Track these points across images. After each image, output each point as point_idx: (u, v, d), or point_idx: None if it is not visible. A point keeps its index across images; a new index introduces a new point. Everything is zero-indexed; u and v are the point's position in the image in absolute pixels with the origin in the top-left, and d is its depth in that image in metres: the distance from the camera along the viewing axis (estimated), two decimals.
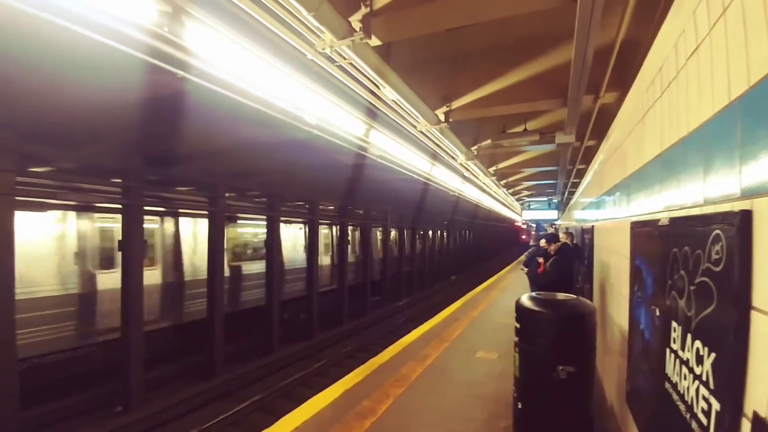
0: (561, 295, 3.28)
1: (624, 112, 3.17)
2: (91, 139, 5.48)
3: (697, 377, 1.41)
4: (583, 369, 2.80)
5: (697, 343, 1.43)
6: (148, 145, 6.10)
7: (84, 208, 6.92)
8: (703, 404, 1.36)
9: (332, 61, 2.65)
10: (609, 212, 4.01)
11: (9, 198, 4.94)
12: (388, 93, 3.21)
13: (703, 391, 1.36)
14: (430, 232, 21.37)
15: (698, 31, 1.61)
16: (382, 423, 3.66)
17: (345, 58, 2.59)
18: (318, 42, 2.37)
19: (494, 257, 33.83)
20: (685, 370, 1.54)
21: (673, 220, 1.79)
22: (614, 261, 3.51)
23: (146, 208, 6.93)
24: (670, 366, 1.72)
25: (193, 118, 4.60)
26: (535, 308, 2.97)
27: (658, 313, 1.94)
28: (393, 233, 16.65)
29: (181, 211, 8.61)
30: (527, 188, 14.35)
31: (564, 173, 7.91)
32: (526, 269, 6.38)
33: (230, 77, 2.70)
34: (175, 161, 6.86)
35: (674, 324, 1.68)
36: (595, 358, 3.03)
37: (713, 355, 1.30)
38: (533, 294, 3.28)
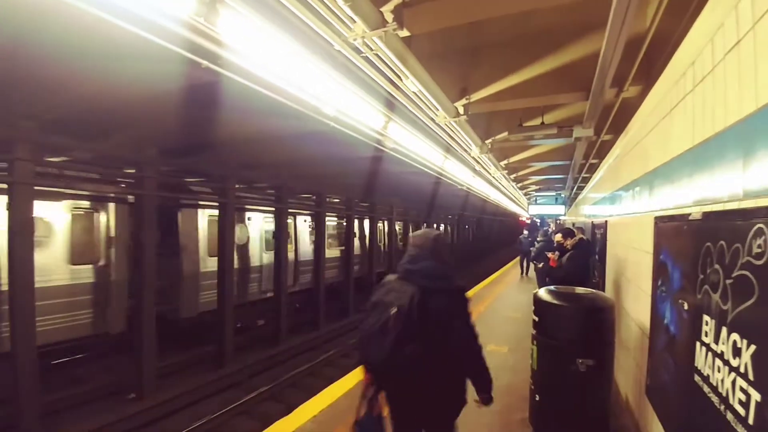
0: (579, 289, 3.29)
1: (647, 106, 3.15)
2: (108, 129, 5.51)
3: (734, 369, 1.42)
4: (602, 362, 2.82)
5: (734, 336, 1.44)
6: (162, 137, 6.12)
7: (99, 198, 6.99)
8: (740, 395, 1.37)
9: (359, 52, 2.65)
10: (626, 207, 4.00)
11: (28, 187, 4.99)
12: (410, 84, 3.21)
13: (740, 382, 1.37)
14: (435, 226, 21.41)
15: (740, 25, 1.59)
16: None
17: (372, 49, 2.58)
18: (349, 33, 2.36)
19: (500, 250, 33.79)
20: (719, 362, 1.55)
21: (707, 215, 1.79)
22: (632, 256, 3.50)
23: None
24: (701, 359, 1.73)
25: (209, 108, 4.59)
26: (555, 302, 2.98)
27: (686, 307, 1.95)
28: (399, 226, 16.67)
29: (190, 201, 8.64)
30: (536, 182, 14.28)
31: (576, 168, 7.88)
32: (540, 264, 6.39)
33: (255, 67, 2.69)
34: (187, 153, 6.89)
35: (706, 318, 1.69)
36: (614, 352, 3.04)
37: (753, 347, 1.31)
38: (551, 288, 3.29)
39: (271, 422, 3.54)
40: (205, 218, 8.82)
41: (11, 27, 2.95)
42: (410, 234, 2.39)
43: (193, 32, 2.24)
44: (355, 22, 2.30)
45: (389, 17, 2.40)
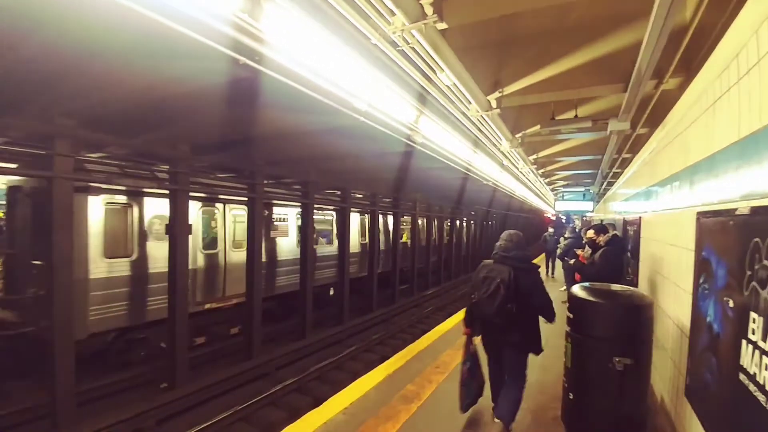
0: (615, 286, 3.23)
1: (688, 99, 3.05)
2: (145, 126, 5.71)
3: None
4: (640, 361, 2.76)
5: None
6: (195, 133, 6.32)
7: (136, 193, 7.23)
8: None
9: (395, 45, 2.66)
10: (663, 203, 3.89)
11: (68, 182, 5.23)
12: (444, 78, 3.19)
13: None
14: (458, 222, 21.27)
15: None
16: (428, 407, 3.73)
17: (408, 43, 2.58)
18: (387, 26, 2.37)
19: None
20: (767, 360, 1.52)
21: (755, 209, 1.74)
22: (670, 253, 3.41)
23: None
24: (747, 357, 1.69)
25: (243, 105, 4.69)
26: (591, 299, 2.93)
27: (732, 305, 1.90)
28: (421, 222, 16.64)
29: (220, 197, 8.85)
30: (564, 178, 13.93)
31: (608, 163, 7.65)
32: (572, 261, 6.27)
33: (291, 63, 2.71)
34: (218, 149, 7.08)
35: (754, 315, 1.65)
36: (651, 351, 2.97)
37: None
38: (586, 284, 3.24)
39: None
40: (100, 207, 6.55)
41: (58, 26, 3.06)
42: (502, 233, 3.32)
43: (236, 29, 2.28)
44: (394, 15, 2.31)
45: (429, 10, 2.39)
